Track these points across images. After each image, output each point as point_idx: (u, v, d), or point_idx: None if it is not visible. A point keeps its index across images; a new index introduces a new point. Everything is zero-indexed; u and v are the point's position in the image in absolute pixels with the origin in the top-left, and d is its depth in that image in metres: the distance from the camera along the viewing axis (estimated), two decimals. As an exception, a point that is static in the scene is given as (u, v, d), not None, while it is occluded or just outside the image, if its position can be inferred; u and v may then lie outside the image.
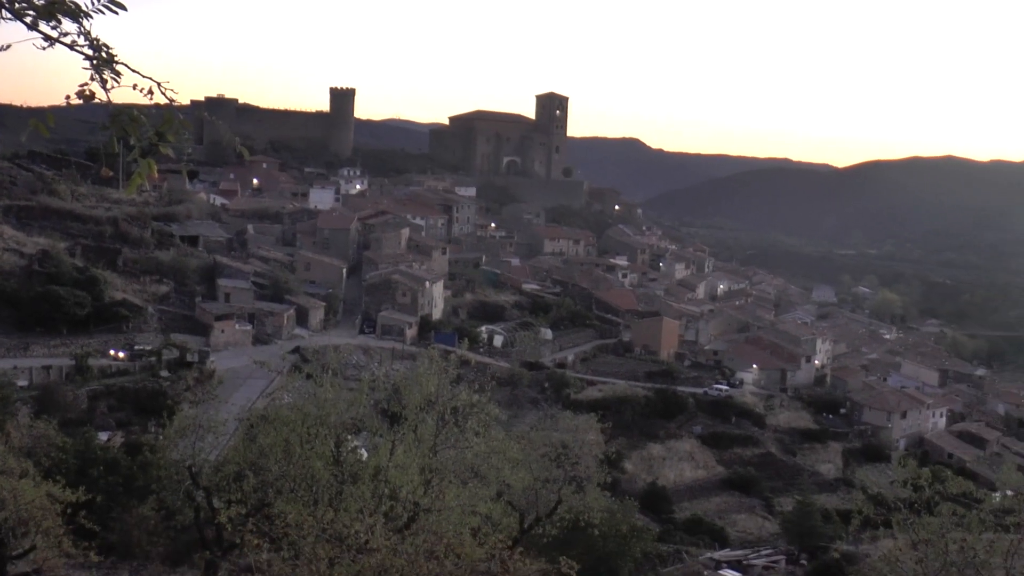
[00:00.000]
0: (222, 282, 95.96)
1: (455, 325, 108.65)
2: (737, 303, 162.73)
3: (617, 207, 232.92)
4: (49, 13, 6.79)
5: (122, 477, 35.24)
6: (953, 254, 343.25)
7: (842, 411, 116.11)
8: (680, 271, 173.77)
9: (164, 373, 73.07)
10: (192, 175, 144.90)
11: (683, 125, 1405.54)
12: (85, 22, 6.90)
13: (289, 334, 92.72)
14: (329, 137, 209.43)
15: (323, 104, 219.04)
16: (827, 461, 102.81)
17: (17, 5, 6.80)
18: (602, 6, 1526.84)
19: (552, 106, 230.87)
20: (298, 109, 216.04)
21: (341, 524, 17.54)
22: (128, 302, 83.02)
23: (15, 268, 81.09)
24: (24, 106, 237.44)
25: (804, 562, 59.63)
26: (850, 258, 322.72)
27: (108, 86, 6.92)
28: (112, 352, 75.12)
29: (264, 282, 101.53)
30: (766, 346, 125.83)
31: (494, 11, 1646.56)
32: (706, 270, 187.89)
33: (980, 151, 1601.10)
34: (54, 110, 10.57)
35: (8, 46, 7.00)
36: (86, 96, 6.93)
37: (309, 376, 28.65)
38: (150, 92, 6.93)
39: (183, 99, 7.52)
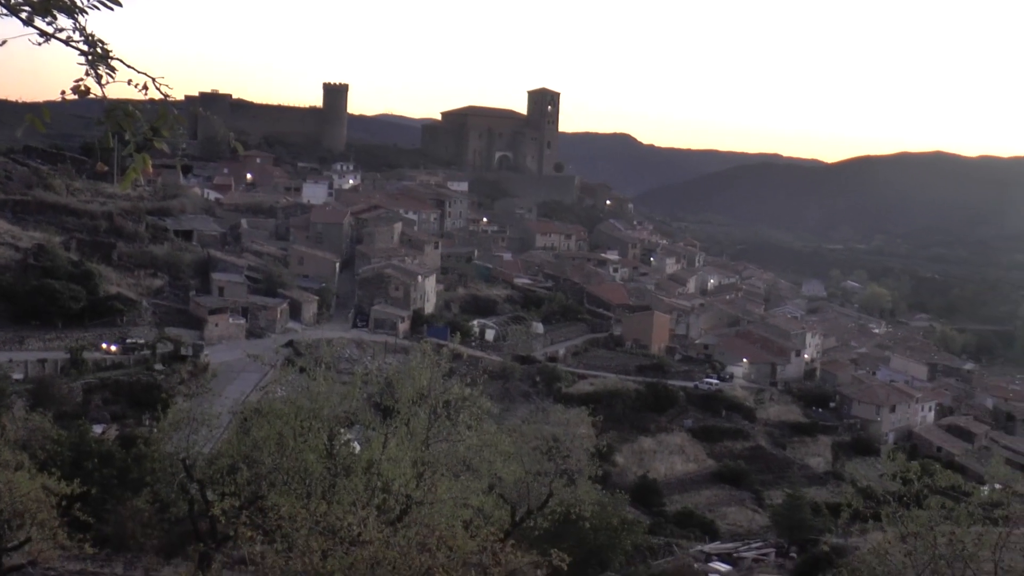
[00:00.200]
0: (216, 276, 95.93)
1: (447, 319, 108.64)
2: (727, 297, 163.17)
3: (608, 202, 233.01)
4: (45, 9, 6.83)
5: (116, 470, 35.30)
6: (942, 249, 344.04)
7: (831, 405, 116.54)
8: (671, 266, 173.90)
9: (158, 366, 73.10)
10: (186, 170, 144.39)
11: (674, 121, 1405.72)
12: (80, 18, 6.95)
13: (282, 328, 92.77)
14: (322, 132, 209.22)
15: (316, 99, 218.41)
16: (817, 454, 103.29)
17: (13, 1, 6.85)
18: (594, 2, 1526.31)
19: (544, 102, 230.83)
20: (292, 104, 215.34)
21: (334, 517, 17.65)
22: (122, 296, 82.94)
23: (10, 262, 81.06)
24: (20, 101, 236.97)
25: (794, 555, 59.80)
26: (839, 253, 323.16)
27: (103, 81, 6.94)
28: (104, 345, 75.06)
29: (258, 276, 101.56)
30: (756, 340, 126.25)
31: (486, 7, 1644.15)
32: (696, 264, 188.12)
33: (969, 147, 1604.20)
34: (50, 105, 10.61)
35: (4, 41, 7.03)
36: (81, 91, 6.95)
37: (302, 370, 28.76)
38: (145, 87, 6.95)
39: (177, 94, 7.58)
